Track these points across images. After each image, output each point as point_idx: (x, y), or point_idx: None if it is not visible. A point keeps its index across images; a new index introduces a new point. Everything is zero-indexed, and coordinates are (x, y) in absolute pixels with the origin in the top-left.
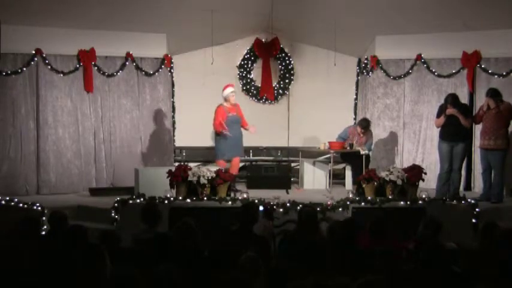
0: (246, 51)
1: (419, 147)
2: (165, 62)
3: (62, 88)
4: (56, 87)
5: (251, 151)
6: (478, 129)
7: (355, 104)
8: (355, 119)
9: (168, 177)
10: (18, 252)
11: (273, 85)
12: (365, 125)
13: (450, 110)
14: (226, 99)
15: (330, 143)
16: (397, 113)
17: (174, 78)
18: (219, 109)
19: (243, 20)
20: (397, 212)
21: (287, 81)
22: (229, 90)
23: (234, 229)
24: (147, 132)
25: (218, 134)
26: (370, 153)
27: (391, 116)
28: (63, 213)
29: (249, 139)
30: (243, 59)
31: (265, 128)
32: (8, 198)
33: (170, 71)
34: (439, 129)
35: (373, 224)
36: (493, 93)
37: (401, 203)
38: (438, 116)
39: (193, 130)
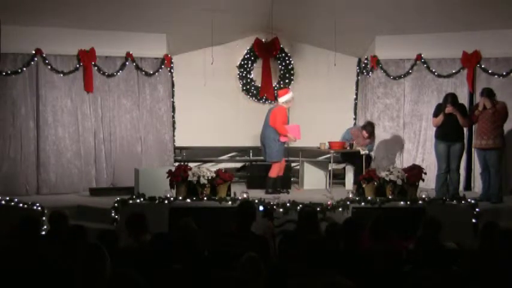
0: (246, 51)
1: (419, 147)
2: (165, 62)
3: (62, 88)
4: (56, 87)
5: (251, 151)
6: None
7: (355, 104)
8: (355, 119)
9: (168, 177)
10: (18, 252)
11: (273, 85)
12: (371, 129)
13: (449, 109)
14: (286, 103)
15: (330, 143)
16: (397, 113)
17: (174, 78)
18: (284, 110)
19: (243, 20)
20: (397, 212)
21: (287, 81)
22: (291, 94)
23: (232, 229)
24: (147, 132)
25: (278, 135)
26: (372, 153)
27: (391, 116)
28: (63, 213)
29: (249, 139)
30: (243, 59)
31: None
32: (8, 198)
33: (170, 71)
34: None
35: (373, 224)
36: (489, 93)
37: (401, 203)
38: (436, 115)
39: (193, 130)
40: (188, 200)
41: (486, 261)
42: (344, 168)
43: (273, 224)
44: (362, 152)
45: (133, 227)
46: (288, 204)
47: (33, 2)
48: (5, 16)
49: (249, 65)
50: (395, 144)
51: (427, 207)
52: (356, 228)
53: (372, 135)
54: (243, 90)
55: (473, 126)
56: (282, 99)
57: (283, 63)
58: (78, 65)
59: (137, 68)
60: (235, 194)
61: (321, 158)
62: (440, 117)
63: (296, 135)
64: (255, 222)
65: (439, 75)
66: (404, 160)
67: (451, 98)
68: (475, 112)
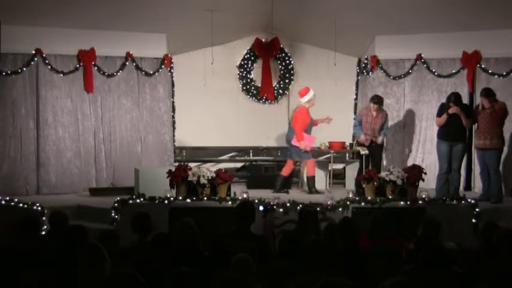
0: (246, 51)
1: (419, 147)
2: (165, 62)
3: (62, 88)
4: (56, 87)
5: (251, 151)
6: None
7: (355, 104)
8: (355, 119)
9: (168, 177)
10: (18, 252)
11: (273, 85)
12: (377, 100)
13: (453, 109)
14: (308, 102)
15: (330, 143)
16: (397, 113)
17: (174, 78)
18: (305, 111)
19: (243, 20)
20: (397, 212)
21: (287, 81)
22: (312, 93)
23: (232, 229)
24: (147, 132)
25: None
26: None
27: (391, 116)
28: (64, 213)
29: (249, 139)
30: (243, 59)
31: (265, 128)
32: (8, 198)
33: (170, 71)
34: (437, 129)
35: (373, 224)
36: (487, 93)
37: (401, 203)
38: (439, 114)
39: (193, 130)
40: (188, 200)
41: (486, 261)
42: (344, 168)
43: (273, 220)
44: (362, 152)
45: (139, 227)
46: (288, 204)
47: (33, 2)
48: (5, 16)
49: (249, 65)
50: (395, 144)
51: (427, 207)
52: (353, 228)
53: (380, 105)
54: (243, 90)
55: (473, 126)
56: (303, 99)
57: (283, 63)
58: (78, 65)
59: (137, 68)
60: (235, 194)
61: (321, 158)
62: (444, 117)
63: (308, 145)
64: (255, 223)
65: (439, 75)
66: (404, 160)
67: (455, 98)
68: (475, 112)
